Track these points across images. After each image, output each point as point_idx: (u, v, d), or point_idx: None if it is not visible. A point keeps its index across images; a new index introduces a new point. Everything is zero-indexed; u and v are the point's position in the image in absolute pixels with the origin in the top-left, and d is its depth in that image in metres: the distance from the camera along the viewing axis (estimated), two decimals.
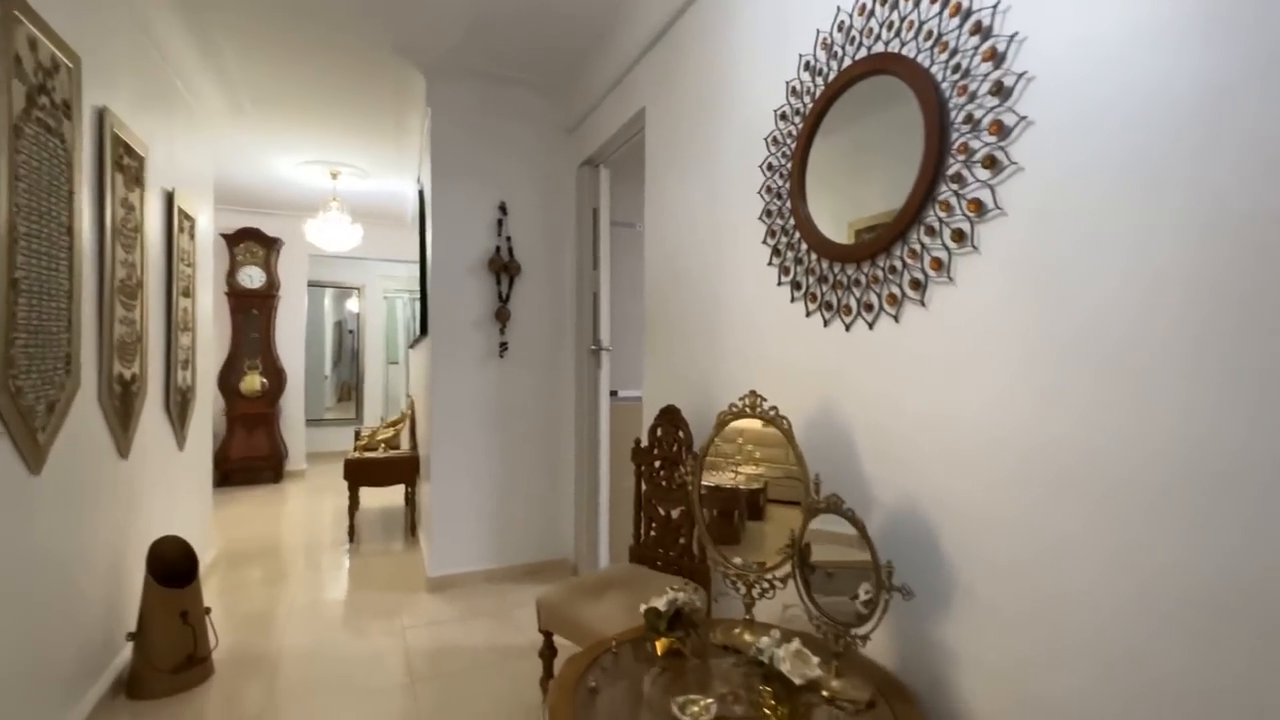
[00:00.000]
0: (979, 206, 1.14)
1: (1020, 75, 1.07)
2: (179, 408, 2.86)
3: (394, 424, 4.44)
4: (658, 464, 2.06)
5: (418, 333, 3.78)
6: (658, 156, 2.43)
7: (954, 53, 1.18)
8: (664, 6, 2.27)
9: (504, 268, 3.26)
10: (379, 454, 4.09)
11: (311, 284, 6.92)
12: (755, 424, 1.49)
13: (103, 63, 2.07)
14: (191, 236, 3.04)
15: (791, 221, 1.63)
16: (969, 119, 1.15)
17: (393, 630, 2.68)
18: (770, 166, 1.73)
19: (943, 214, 1.21)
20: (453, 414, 3.19)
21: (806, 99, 1.58)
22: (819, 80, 1.54)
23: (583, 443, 3.32)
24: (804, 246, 1.59)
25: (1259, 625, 0.78)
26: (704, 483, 1.60)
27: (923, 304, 1.26)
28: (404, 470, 4.10)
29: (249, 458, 5.70)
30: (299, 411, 6.25)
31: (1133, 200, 0.92)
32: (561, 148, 3.41)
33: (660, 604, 1.33)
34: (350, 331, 8.60)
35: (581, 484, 3.34)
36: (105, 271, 2.06)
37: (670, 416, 2.02)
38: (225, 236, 5.65)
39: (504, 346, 3.27)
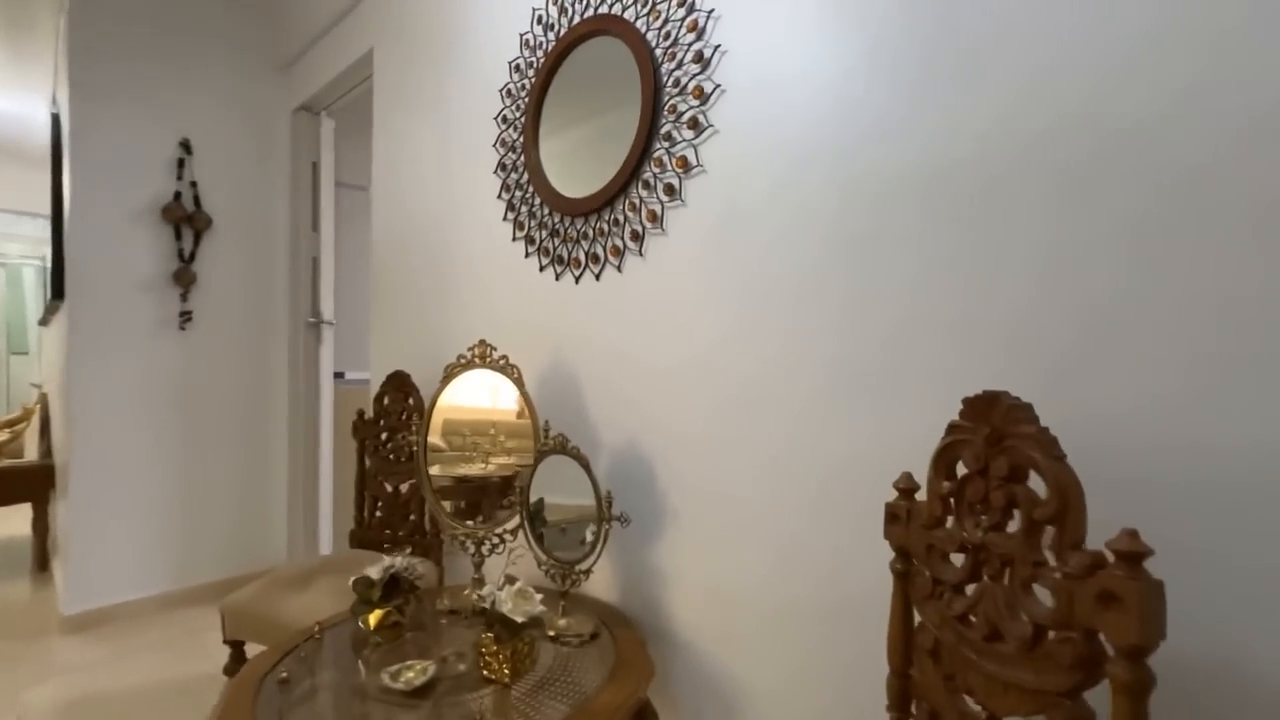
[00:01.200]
0: (685, 163, 1.25)
1: (716, 48, 1.21)
2: None
3: (10, 424, 3.29)
4: (384, 436, 1.87)
5: (52, 275, 2.83)
6: (388, 105, 2.21)
7: (665, 21, 1.28)
8: None
9: (187, 219, 2.64)
10: None
11: None
12: (509, 415, 1.43)
13: None
14: None
15: (526, 176, 1.61)
16: (677, 83, 1.26)
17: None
18: (505, 119, 1.69)
19: (656, 170, 1.30)
20: (105, 401, 2.47)
21: (539, 53, 1.58)
22: (550, 35, 1.55)
23: (299, 431, 2.87)
24: (537, 201, 1.58)
25: (868, 487, 0.99)
26: (454, 473, 1.49)
27: (640, 254, 1.35)
28: (26, 485, 3.05)
29: None
30: None
31: (794, 160, 1.10)
32: (272, 86, 2.90)
33: (373, 572, 1.18)
34: None
35: (297, 479, 2.89)
36: None
37: (398, 382, 1.85)
38: None
39: (186, 316, 2.65)
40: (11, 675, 2.07)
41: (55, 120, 2.99)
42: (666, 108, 1.28)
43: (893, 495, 0.82)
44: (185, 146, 2.65)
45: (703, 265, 1.24)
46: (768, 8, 1.13)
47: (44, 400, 3.38)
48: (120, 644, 2.29)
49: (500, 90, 1.69)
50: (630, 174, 1.34)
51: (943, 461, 0.74)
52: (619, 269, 1.39)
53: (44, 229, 5.22)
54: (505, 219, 1.69)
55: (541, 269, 1.58)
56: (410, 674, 1.03)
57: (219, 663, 2.12)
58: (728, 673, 1.18)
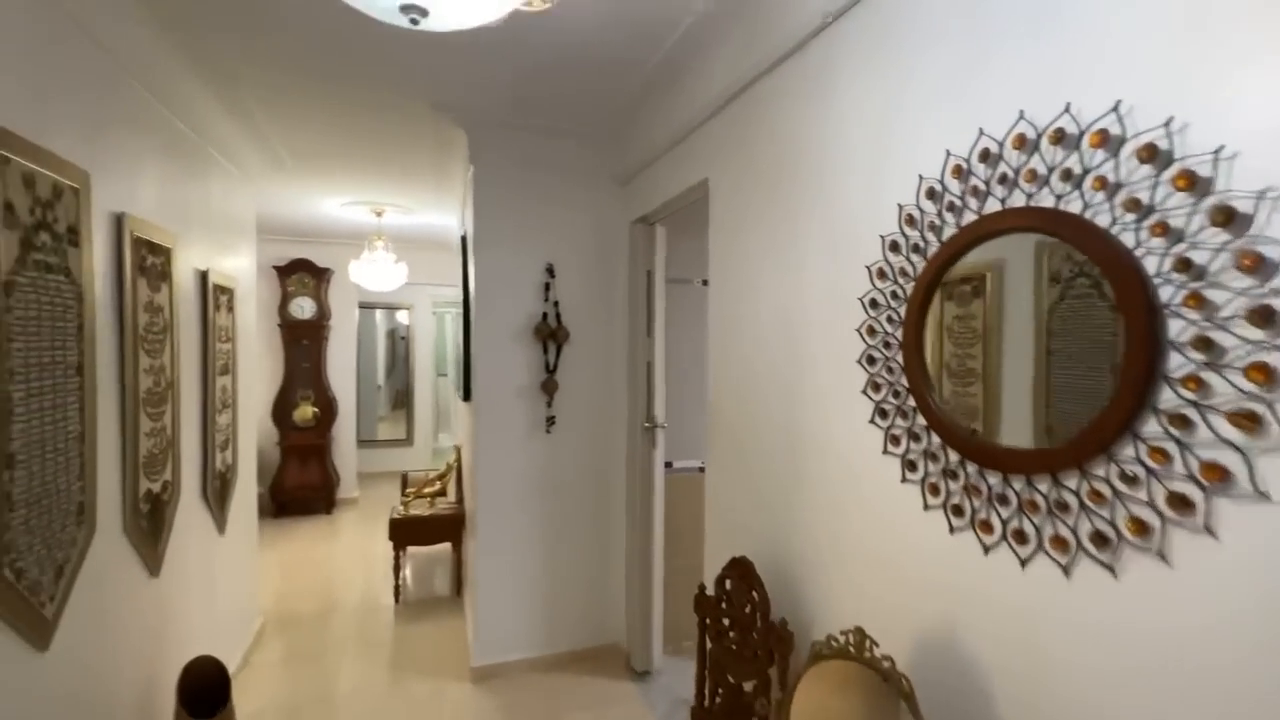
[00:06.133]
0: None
1: None
2: (218, 493, 2.75)
3: (440, 477, 4.31)
4: (726, 622, 1.78)
5: (461, 379, 3.60)
6: (723, 236, 2.11)
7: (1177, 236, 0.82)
8: (729, 73, 1.94)
9: (551, 335, 3.01)
10: (424, 512, 3.96)
11: (363, 305, 6.92)
12: None
13: (120, 165, 1.90)
14: (230, 309, 2.91)
15: (905, 384, 1.30)
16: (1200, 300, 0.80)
17: None
18: (874, 303, 1.39)
19: (1178, 430, 0.86)
20: (498, 491, 2.99)
21: (929, 235, 1.23)
22: (949, 217, 1.19)
23: (635, 523, 3.07)
24: (920, 420, 1.26)
25: None
26: None
27: (1162, 558, 0.91)
28: (449, 528, 3.95)
29: (303, 487, 5.72)
30: (350, 437, 6.24)
31: None
32: (613, 200, 3.12)
33: None
34: (403, 338, 8.61)
35: (633, 565, 3.09)
36: (128, 391, 1.91)
37: (741, 570, 1.73)
38: (277, 269, 5.63)
39: (551, 421, 3.03)
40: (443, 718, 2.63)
41: (464, 242, 3.73)
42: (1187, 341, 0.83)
43: None
44: (550, 271, 3.02)
45: None
46: None
47: (459, 454, 4.36)
48: (508, 699, 2.73)
49: (869, 267, 1.40)
50: (1120, 426, 0.91)
51: None
52: (1111, 570, 0.96)
53: (457, 293, 6.79)
54: (873, 423, 1.40)
55: (927, 508, 1.25)
56: None
57: None
58: None
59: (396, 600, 3.85)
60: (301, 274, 5.72)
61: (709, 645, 1.82)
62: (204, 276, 2.60)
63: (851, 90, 1.46)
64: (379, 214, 4.53)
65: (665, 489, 3.10)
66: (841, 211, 1.50)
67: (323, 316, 5.84)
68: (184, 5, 1.89)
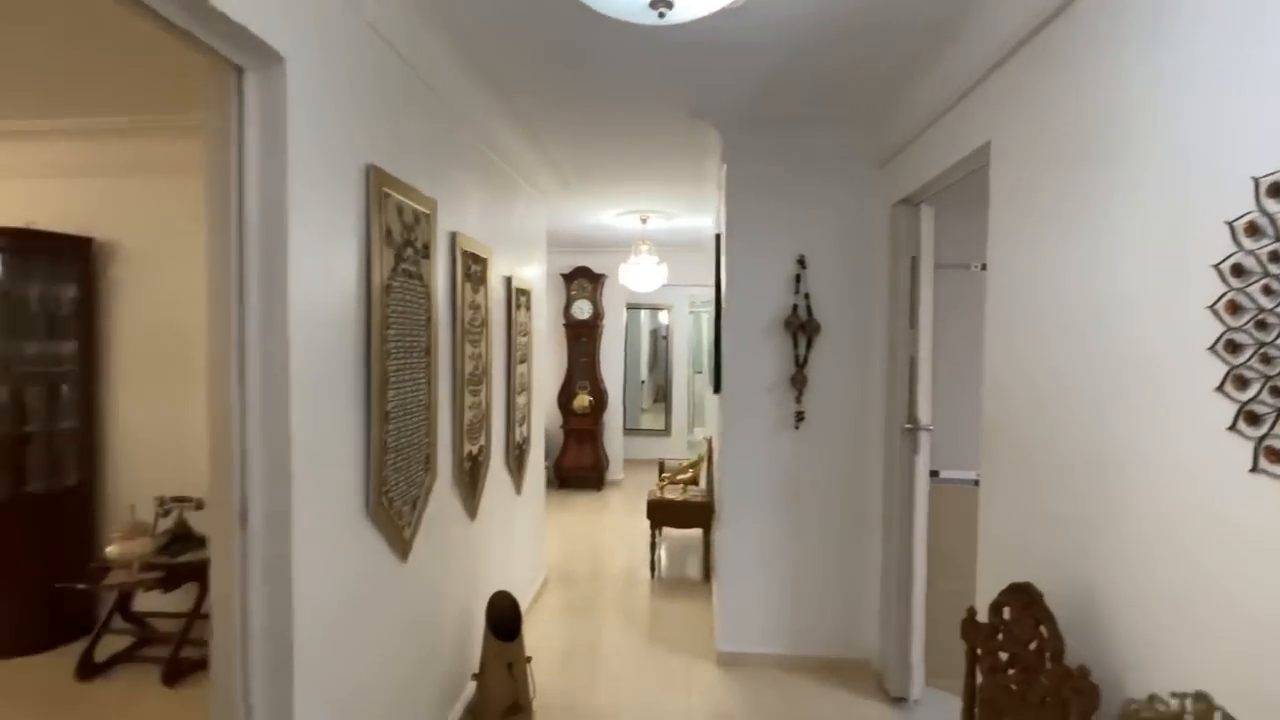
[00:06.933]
0: None
1: None
2: (516, 460, 3.32)
3: (693, 465, 4.53)
4: (1004, 656, 1.51)
5: (712, 372, 3.73)
6: (1008, 208, 1.80)
7: None
8: (1018, 12, 1.63)
9: (801, 327, 2.93)
10: (678, 497, 4.20)
11: (630, 306, 7.64)
12: None
13: (454, 193, 2.42)
14: (528, 308, 3.49)
15: None
16: None
17: (682, 712, 2.65)
18: (1239, 270, 1.03)
19: None
20: (743, 485, 3.02)
21: None
22: None
23: (892, 533, 2.80)
24: None
25: None
26: None
27: None
28: (700, 515, 4.13)
29: (579, 466, 6.57)
30: (617, 425, 6.95)
31: None
32: (871, 184, 2.90)
33: None
34: (663, 337, 9.28)
35: (890, 580, 2.83)
36: (457, 371, 2.42)
37: (1025, 600, 1.45)
38: (563, 276, 6.56)
39: (800, 416, 2.95)
40: (689, 695, 2.76)
41: (717, 240, 3.85)
42: None
43: None
44: (801, 262, 2.94)
45: None
46: None
47: (710, 446, 4.52)
48: (751, 693, 2.74)
49: (1232, 222, 1.05)
50: None
51: None
52: None
53: (711, 294, 7.05)
54: (1234, 428, 1.04)
55: None
56: None
57: None
58: None
59: (652, 575, 4.16)
60: (581, 279, 6.57)
61: (979, 679, 1.57)
62: (509, 281, 3.16)
63: None
64: (644, 220, 4.96)
65: (931, 501, 2.77)
66: (1181, 149, 1.15)
67: (597, 317, 6.62)
68: (496, 62, 2.31)
